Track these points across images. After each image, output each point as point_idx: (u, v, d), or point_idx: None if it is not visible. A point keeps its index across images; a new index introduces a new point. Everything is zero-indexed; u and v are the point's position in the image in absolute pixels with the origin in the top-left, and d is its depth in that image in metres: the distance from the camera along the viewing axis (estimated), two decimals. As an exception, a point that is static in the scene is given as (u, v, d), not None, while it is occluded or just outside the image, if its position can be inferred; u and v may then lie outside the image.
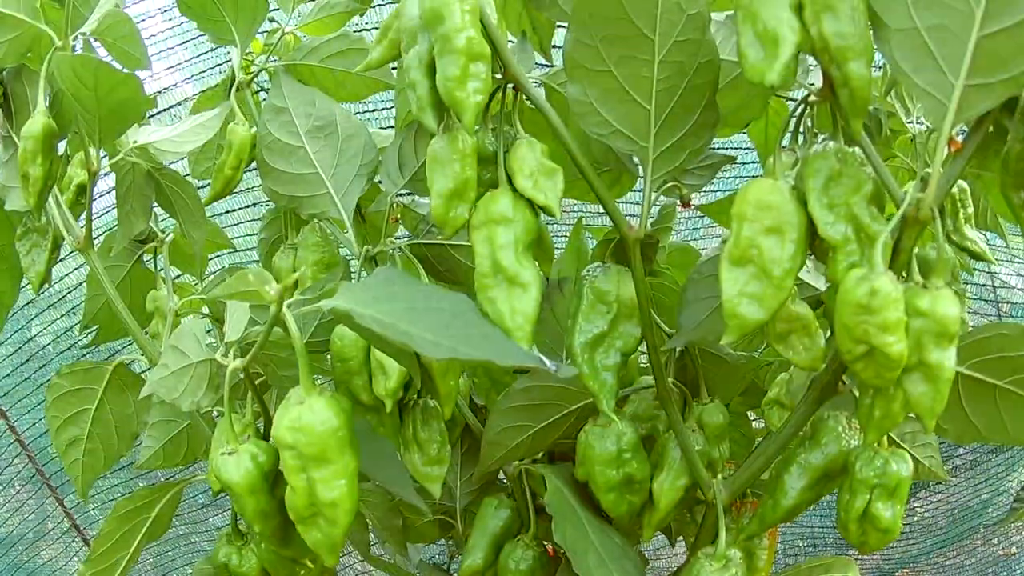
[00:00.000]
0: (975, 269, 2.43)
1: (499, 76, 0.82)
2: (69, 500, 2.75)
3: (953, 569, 3.11)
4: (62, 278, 2.42)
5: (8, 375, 2.52)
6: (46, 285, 1.21)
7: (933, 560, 3.15)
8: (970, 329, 0.90)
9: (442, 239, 0.98)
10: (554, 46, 0.97)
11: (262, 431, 0.95)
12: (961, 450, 2.77)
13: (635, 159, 0.85)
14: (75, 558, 2.84)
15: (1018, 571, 3.01)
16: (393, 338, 0.62)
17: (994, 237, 1.45)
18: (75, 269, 2.43)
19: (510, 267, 0.77)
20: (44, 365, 2.56)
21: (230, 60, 1.12)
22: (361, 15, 1.34)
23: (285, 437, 0.73)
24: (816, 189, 0.76)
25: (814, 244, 0.77)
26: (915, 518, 3.04)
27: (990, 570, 3.01)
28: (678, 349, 1.02)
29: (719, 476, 0.95)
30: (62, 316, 2.55)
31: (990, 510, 3.01)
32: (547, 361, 0.61)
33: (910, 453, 1.19)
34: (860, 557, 3.10)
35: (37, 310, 2.51)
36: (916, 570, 3.19)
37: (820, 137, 0.81)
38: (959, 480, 2.81)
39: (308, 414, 0.72)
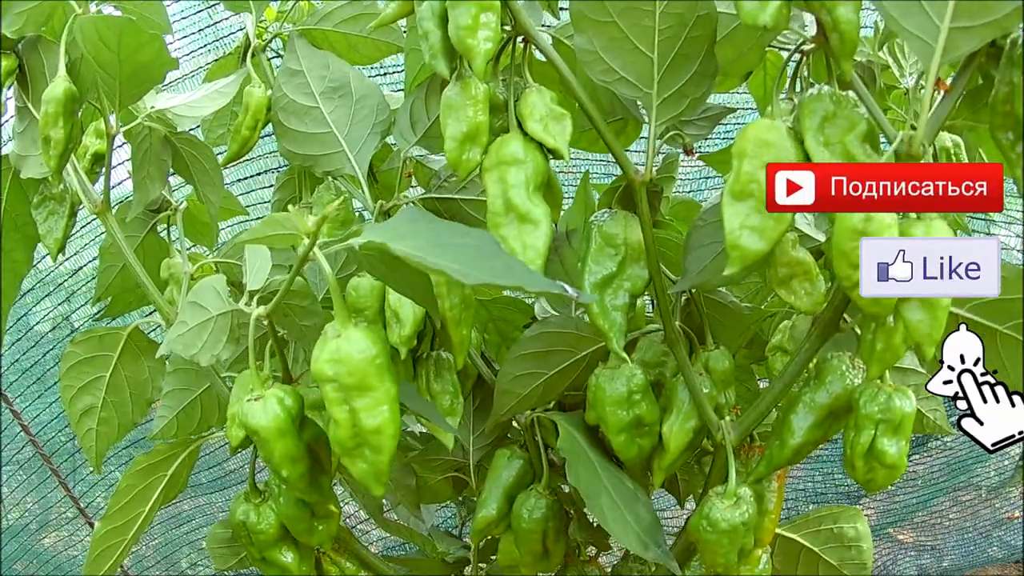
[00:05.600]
0: (973, 231, 2.47)
1: (509, 28, 0.85)
2: (79, 488, 2.77)
3: (957, 531, 3.15)
4: (60, 264, 2.44)
5: (14, 362, 2.54)
6: (62, 254, 1.23)
7: (935, 522, 3.19)
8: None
9: (454, 193, 1.02)
10: (562, 8, 1.00)
11: (282, 385, 0.97)
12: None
13: (640, 106, 0.89)
14: (81, 544, 2.86)
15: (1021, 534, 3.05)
16: (429, 266, 0.65)
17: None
18: (74, 254, 2.46)
19: (521, 205, 0.81)
20: (47, 352, 2.58)
21: (226, 36, 1.14)
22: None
23: (325, 370, 0.75)
24: (812, 128, 0.80)
25: (813, 181, 0.81)
26: (914, 475, 3.07)
27: (995, 533, 3.05)
28: (683, 297, 1.06)
29: (727, 418, 0.98)
30: (61, 303, 2.57)
31: (989, 469, 3.04)
32: (569, 288, 0.65)
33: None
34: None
35: (36, 297, 2.53)
36: (916, 530, 3.22)
37: (815, 85, 0.85)
38: (957, 436, 2.84)
39: (346, 345, 0.75)
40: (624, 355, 0.91)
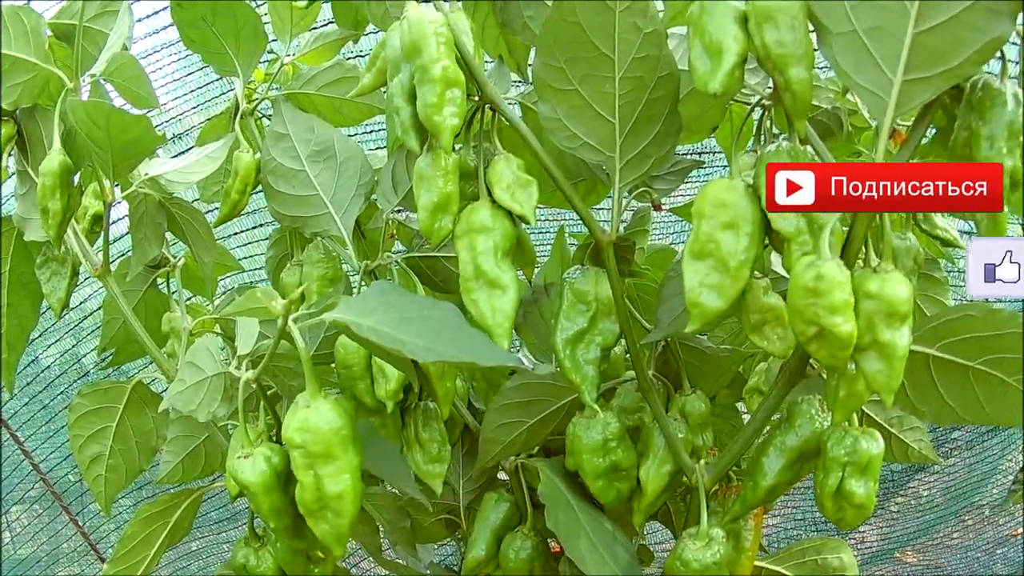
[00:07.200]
0: (962, 258, 2.47)
1: (477, 98, 0.89)
2: (90, 524, 2.82)
3: (961, 549, 3.15)
4: (74, 308, 2.50)
5: (26, 404, 2.60)
6: (66, 311, 1.28)
7: (940, 541, 3.19)
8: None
9: (434, 251, 1.05)
10: (530, 65, 1.04)
11: (275, 439, 1.01)
12: (957, 432, 2.81)
13: (604, 168, 0.92)
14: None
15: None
16: (387, 345, 0.69)
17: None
18: (85, 300, 2.51)
19: (490, 271, 0.85)
20: (57, 394, 2.64)
21: (233, 88, 1.19)
22: (355, 41, 1.41)
23: (294, 438, 0.81)
24: (770, 186, 0.82)
25: (772, 237, 0.84)
26: (916, 499, 3.08)
27: (999, 551, 3.05)
28: (660, 344, 1.09)
29: (702, 462, 1.01)
30: (76, 344, 2.62)
31: (990, 488, 3.04)
32: (525, 360, 0.69)
33: (899, 437, 1.25)
34: (862, 539, 3.13)
35: (51, 339, 2.59)
36: (921, 549, 3.22)
37: (780, 137, 0.88)
38: (957, 460, 2.85)
39: (314, 416, 0.80)
40: (596, 407, 0.94)
